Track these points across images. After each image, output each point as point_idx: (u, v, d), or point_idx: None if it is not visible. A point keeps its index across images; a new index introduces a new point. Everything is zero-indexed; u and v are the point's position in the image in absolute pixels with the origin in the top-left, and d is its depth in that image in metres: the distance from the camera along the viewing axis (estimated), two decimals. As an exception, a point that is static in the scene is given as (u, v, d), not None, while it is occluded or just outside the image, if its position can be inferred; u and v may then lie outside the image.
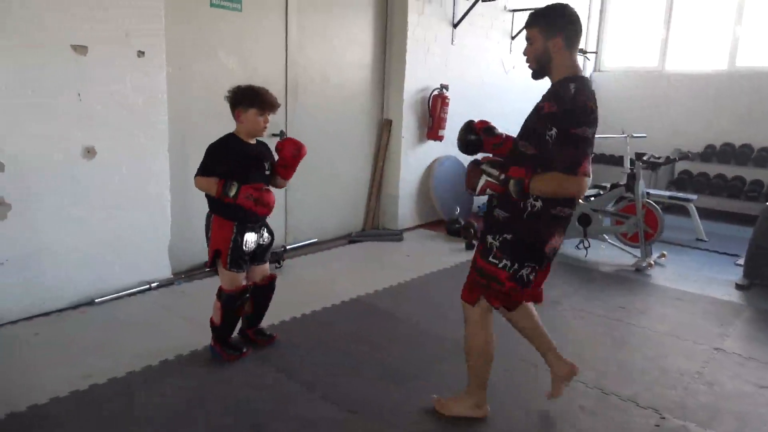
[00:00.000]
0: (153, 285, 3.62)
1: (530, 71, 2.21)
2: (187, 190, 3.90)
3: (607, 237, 4.93)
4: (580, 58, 8.04)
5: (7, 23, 2.87)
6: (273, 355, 2.86)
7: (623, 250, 4.83)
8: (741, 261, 4.44)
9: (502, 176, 2.10)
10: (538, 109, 2.11)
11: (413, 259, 4.61)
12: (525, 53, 2.18)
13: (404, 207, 5.48)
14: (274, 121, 4.35)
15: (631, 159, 5.41)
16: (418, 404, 2.46)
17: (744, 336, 3.36)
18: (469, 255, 4.76)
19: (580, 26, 2.13)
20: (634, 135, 5.72)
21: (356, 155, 5.24)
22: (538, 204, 2.07)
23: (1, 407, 2.29)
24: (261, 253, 2.82)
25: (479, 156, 2.32)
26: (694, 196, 5.83)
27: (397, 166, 5.36)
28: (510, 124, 7.22)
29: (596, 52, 7.77)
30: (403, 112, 5.27)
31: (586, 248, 4.60)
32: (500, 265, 2.13)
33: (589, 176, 1.97)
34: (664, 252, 4.82)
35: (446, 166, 5.74)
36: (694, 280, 4.30)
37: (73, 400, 2.39)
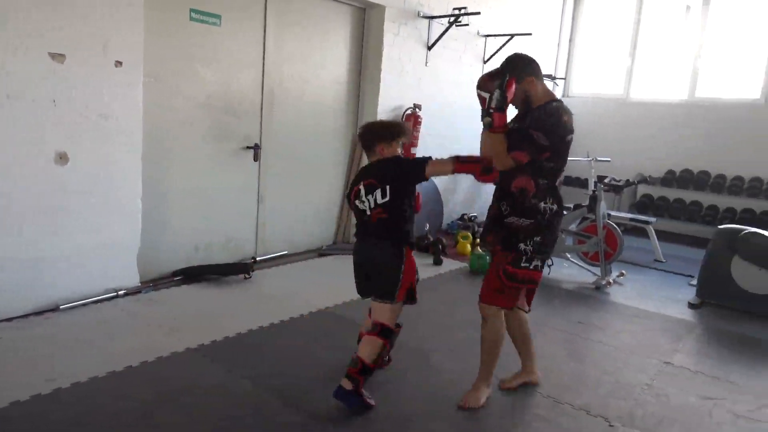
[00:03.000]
0: (120, 292, 3.63)
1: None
2: (160, 199, 3.96)
3: (569, 256, 5.10)
4: (549, 84, 8.32)
5: (-15, 29, 2.91)
6: (240, 363, 2.90)
7: (584, 268, 5.00)
8: (694, 281, 4.65)
9: (492, 110, 2.34)
10: (527, 125, 2.43)
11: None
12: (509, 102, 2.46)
13: (375, 222, 5.57)
14: (248, 134, 4.47)
15: (594, 181, 5.63)
16: (387, 409, 2.53)
17: (693, 351, 3.52)
18: (438, 270, 4.88)
19: (536, 62, 2.56)
20: (599, 159, 5.95)
21: (329, 170, 5.33)
22: (555, 207, 2.47)
23: (-38, 409, 2.29)
24: None
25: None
26: (653, 219, 6.07)
27: (369, 181, 5.46)
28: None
29: (565, 79, 8.05)
30: (377, 129, 5.39)
31: (549, 266, 4.72)
32: (531, 267, 2.48)
33: (520, 162, 2.36)
34: (623, 271, 5.01)
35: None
36: (650, 298, 4.48)
37: (34, 404, 2.39)
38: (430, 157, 2.50)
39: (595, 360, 3.26)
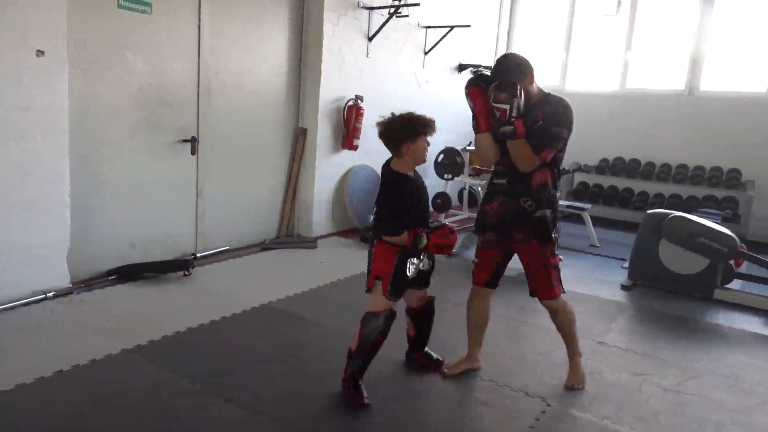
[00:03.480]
0: (49, 294, 3.45)
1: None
2: (90, 194, 3.78)
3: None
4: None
5: None
6: (179, 362, 2.82)
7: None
8: (626, 264, 4.87)
9: (514, 119, 2.43)
10: (533, 121, 2.50)
11: (327, 266, 4.68)
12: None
13: (319, 215, 5.54)
14: (184, 126, 4.33)
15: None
16: (327, 401, 2.53)
17: (625, 331, 3.70)
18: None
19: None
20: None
21: (271, 163, 5.25)
22: (558, 195, 2.68)
23: None
24: (422, 278, 2.70)
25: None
26: (588, 206, 6.31)
27: (312, 174, 5.42)
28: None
29: (504, 70, 8.21)
30: (318, 121, 5.35)
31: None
32: (557, 253, 2.70)
33: (546, 161, 2.54)
34: (561, 256, 5.17)
35: (360, 175, 5.86)
36: (585, 282, 4.66)
37: (-46, 413, 2.26)
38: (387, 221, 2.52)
39: (534, 343, 3.37)
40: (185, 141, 4.35)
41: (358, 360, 2.53)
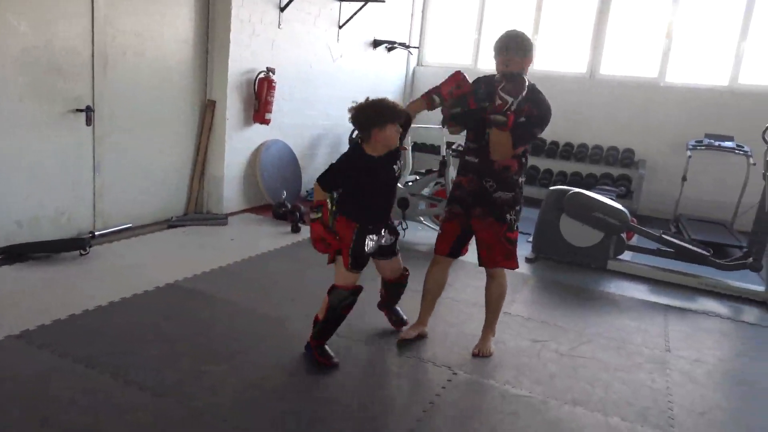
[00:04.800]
0: None
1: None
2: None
3: (422, 219, 5.34)
4: (404, 52, 8.44)
5: None
6: (72, 347, 2.65)
7: (437, 231, 5.25)
8: (531, 238, 5.12)
9: (509, 111, 2.53)
10: (517, 113, 2.59)
11: (237, 243, 4.55)
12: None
13: (230, 190, 5.37)
14: (78, 95, 4.01)
15: (444, 148, 5.90)
16: (235, 382, 2.48)
17: (528, 301, 3.90)
18: (295, 237, 4.84)
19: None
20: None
21: (177, 136, 4.99)
22: (522, 180, 2.84)
23: None
24: (385, 250, 2.82)
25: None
26: (498, 183, 6.55)
27: (222, 148, 5.22)
28: (338, 111, 7.43)
29: (418, 47, 8.28)
30: (228, 93, 5.14)
31: (404, 229, 4.92)
32: (516, 229, 2.87)
33: (517, 153, 2.72)
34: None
35: (273, 150, 5.73)
36: (493, 255, 4.85)
37: None
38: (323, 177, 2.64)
39: (443, 315, 3.46)
40: (79, 111, 4.04)
41: (324, 328, 2.68)
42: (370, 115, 2.55)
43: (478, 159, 2.81)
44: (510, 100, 2.52)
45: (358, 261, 2.65)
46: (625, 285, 4.38)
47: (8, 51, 3.57)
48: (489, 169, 2.78)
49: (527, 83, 2.58)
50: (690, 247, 4.56)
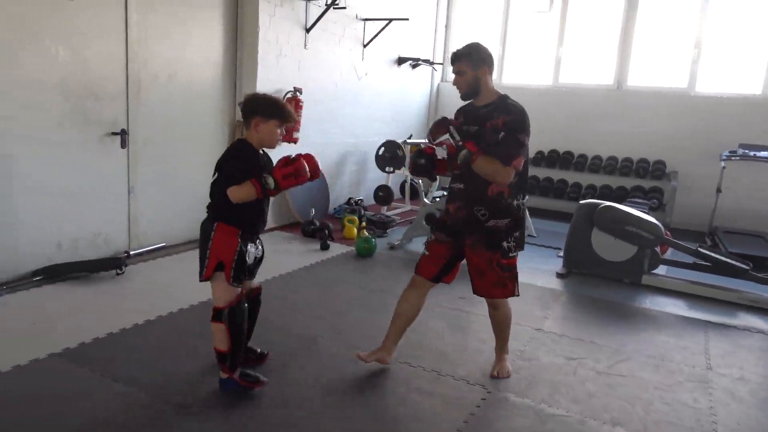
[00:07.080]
0: (-34, 298, 3.22)
1: (460, 94, 2.69)
2: (6, 194, 3.54)
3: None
4: (428, 69, 8.50)
5: None
6: (111, 365, 2.70)
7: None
8: (561, 253, 5.05)
9: (461, 143, 2.54)
10: (492, 126, 2.54)
11: (269, 261, 4.54)
12: (456, 83, 2.67)
13: (259, 209, 5.43)
14: (113, 119, 4.13)
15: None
16: (273, 394, 2.48)
17: (560, 317, 3.84)
18: (324, 255, 4.87)
19: (492, 57, 2.70)
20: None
21: (208, 156, 5.06)
22: (522, 203, 2.66)
23: None
24: (254, 266, 2.65)
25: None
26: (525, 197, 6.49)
27: (251, 168, 5.29)
28: (363, 129, 7.50)
29: (442, 64, 8.32)
30: (257, 113, 5.23)
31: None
32: (512, 255, 2.67)
33: (519, 169, 2.54)
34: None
35: (302, 169, 5.78)
36: (522, 270, 4.71)
37: None
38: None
39: (475, 332, 3.43)
40: (114, 134, 4.15)
41: (234, 354, 2.49)
42: (261, 104, 2.49)
43: (464, 185, 2.65)
44: (446, 137, 2.55)
45: (239, 274, 2.45)
46: (661, 300, 4.28)
47: (49, 79, 3.70)
48: (480, 196, 2.59)
49: (445, 118, 2.63)
50: (729, 260, 4.44)
